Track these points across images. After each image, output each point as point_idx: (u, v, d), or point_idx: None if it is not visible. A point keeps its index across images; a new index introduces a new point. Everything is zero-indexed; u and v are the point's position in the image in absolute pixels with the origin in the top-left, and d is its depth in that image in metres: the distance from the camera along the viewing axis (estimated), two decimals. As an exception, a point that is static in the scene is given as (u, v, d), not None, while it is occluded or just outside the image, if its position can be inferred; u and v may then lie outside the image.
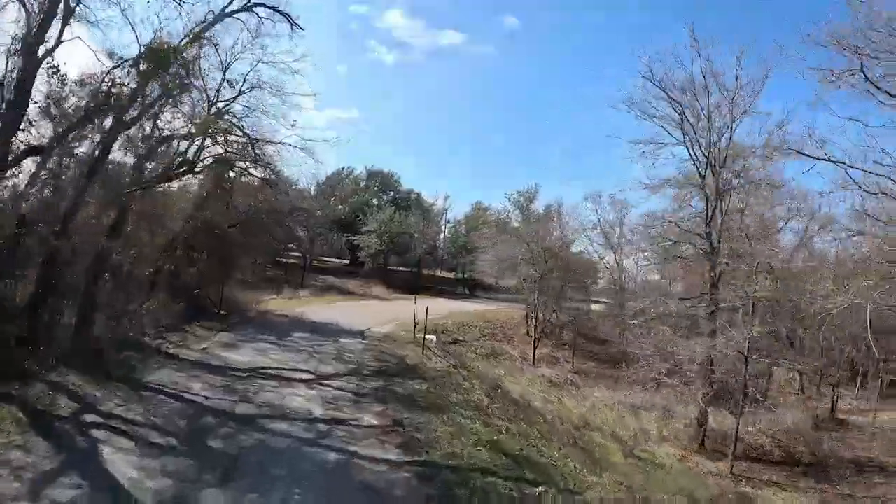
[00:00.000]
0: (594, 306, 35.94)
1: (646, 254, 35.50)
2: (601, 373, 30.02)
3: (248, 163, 20.98)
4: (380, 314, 30.52)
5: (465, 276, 54.93)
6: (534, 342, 27.73)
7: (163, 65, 15.58)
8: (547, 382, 23.78)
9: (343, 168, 61.95)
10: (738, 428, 15.87)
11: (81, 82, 15.67)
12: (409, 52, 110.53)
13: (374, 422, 11.39)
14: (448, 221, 58.51)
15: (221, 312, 25.56)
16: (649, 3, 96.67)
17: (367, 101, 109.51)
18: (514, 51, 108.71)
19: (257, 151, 20.21)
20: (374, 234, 48.57)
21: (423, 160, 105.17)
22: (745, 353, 14.71)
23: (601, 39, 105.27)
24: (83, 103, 15.69)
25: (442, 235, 58.83)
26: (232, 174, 25.52)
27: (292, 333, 21.02)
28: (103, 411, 10.90)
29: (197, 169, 20.78)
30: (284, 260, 50.14)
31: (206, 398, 11.85)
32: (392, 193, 60.60)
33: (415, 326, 23.42)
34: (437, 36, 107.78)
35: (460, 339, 30.54)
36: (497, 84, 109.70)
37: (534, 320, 27.96)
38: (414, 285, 49.08)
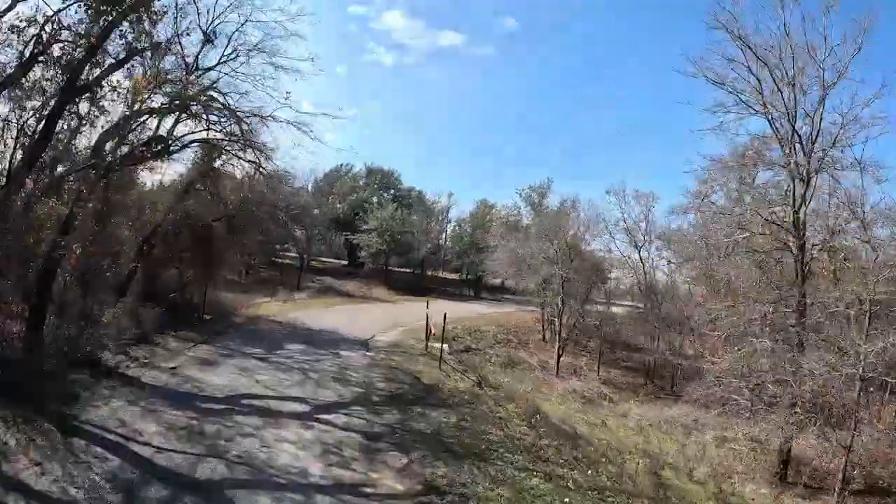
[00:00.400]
0: (614, 308, 32.39)
1: (666, 253, 32.31)
2: (630, 383, 26.57)
3: (234, 143, 17.27)
4: (383, 319, 26.96)
5: (470, 276, 51.32)
6: (558, 351, 24.16)
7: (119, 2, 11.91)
8: (580, 398, 20.23)
9: (341, 165, 58.25)
10: (846, 464, 12.36)
11: (15, 28, 11.99)
12: (409, 53, 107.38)
13: (398, 486, 7.76)
14: (449, 220, 54.65)
15: (206, 317, 21.85)
16: (647, 3, 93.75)
17: (367, 103, 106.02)
18: (514, 51, 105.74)
19: (244, 128, 16.53)
20: (374, 233, 44.89)
21: (423, 161, 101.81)
22: (862, 372, 11.26)
23: (599, 39, 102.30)
24: (16, 54, 12.07)
25: (445, 234, 55.04)
26: (218, 162, 21.97)
27: (285, 345, 17.35)
28: (7, 475, 7.27)
29: (173, 149, 17.11)
30: (280, 260, 46.55)
31: (160, 450, 8.17)
32: (392, 192, 56.93)
33: (428, 334, 19.92)
34: (436, 37, 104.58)
35: (472, 346, 27.03)
36: (497, 85, 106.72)
37: (557, 325, 24.38)
38: (417, 287, 45.47)
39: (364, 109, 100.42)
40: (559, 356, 23.96)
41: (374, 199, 52.23)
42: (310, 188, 51.07)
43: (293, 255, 47.95)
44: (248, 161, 18.20)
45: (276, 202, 24.52)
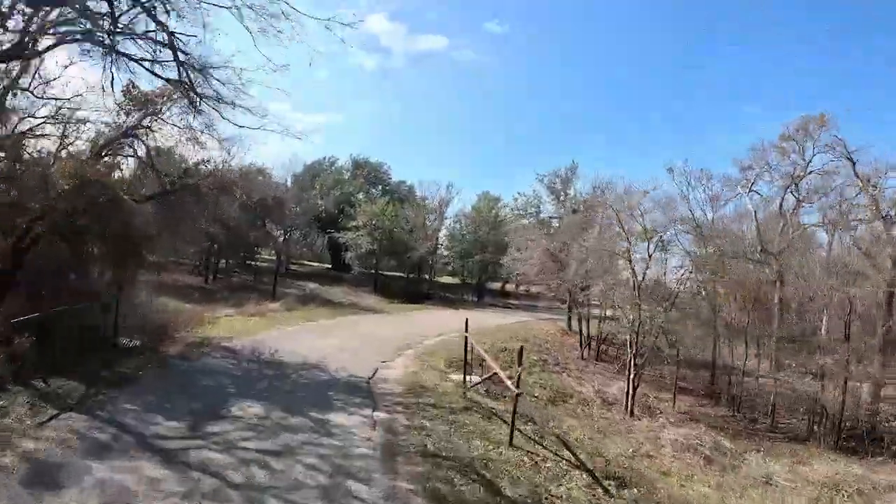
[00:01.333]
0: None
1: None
2: (710, 414, 19.22)
3: (136, 39, 9.26)
4: (383, 337, 19.05)
5: (470, 280, 43.64)
6: (629, 382, 16.53)
7: None
8: (698, 457, 12.70)
9: (325, 158, 50.14)
10: None
11: None
12: (391, 56, 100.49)
13: None
14: (446, 217, 46.51)
15: (122, 343, 13.62)
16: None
17: (350, 106, 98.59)
18: (498, 52, 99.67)
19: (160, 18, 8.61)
20: (363, 231, 36.78)
21: (410, 164, 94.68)
22: None
23: (597, 40, 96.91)
24: None
25: (438, 235, 46.86)
26: (148, 121, 14.14)
27: (232, 404, 9.19)
28: None
29: (34, 49, 9.04)
30: (256, 263, 38.20)
31: None
32: (381, 186, 48.91)
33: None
34: (419, 40, 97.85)
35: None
36: (482, 87, 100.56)
37: (632, 347, 16.77)
38: (413, 293, 37.55)
39: (347, 113, 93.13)
40: (633, 388, 16.34)
41: (361, 195, 44.14)
42: (288, 182, 42.68)
43: (272, 257, 39.65)
44: (176, 83, 10.18)
45: (229, 174, 16.33)
